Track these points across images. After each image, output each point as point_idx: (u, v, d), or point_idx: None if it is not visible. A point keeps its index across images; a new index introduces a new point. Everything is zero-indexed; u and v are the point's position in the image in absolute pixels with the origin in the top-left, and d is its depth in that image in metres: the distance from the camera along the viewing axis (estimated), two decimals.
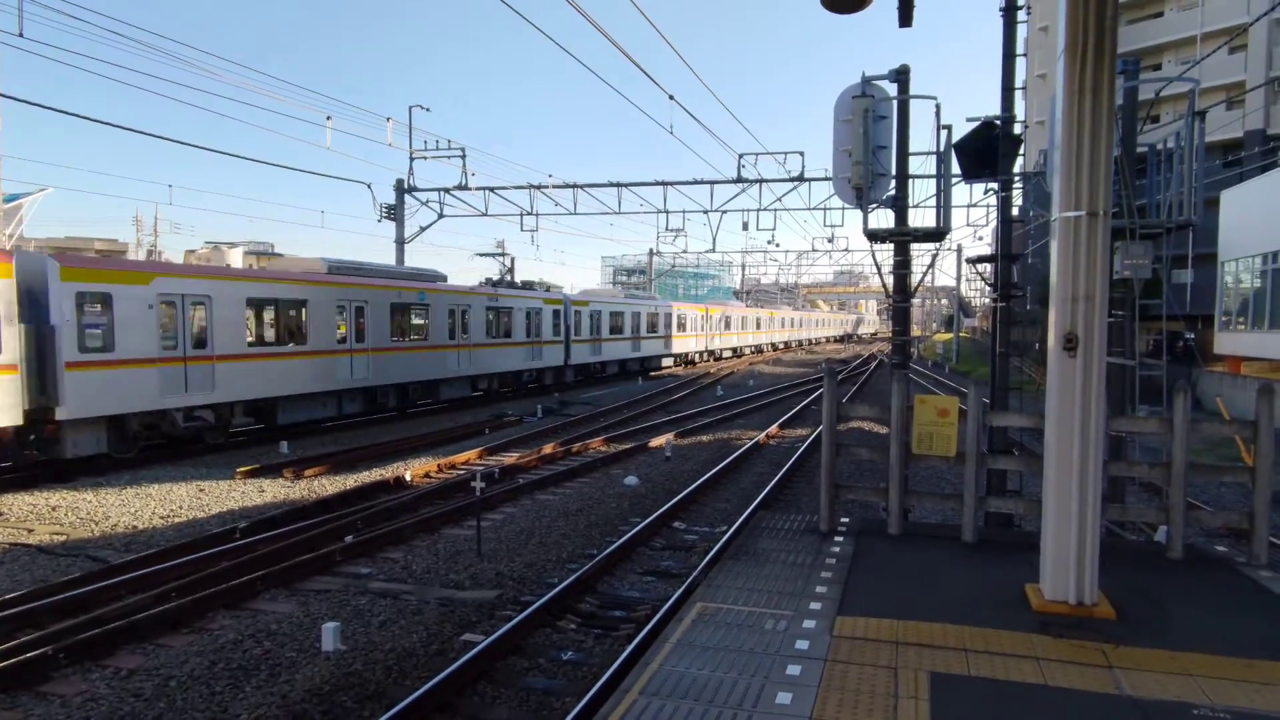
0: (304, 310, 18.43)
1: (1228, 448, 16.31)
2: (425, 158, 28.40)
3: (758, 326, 59.43)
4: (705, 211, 29.30)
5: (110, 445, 14.46)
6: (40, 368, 13.19)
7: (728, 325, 52.59)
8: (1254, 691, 4.41)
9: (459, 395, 25.26)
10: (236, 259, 18.91)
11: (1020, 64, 10.64)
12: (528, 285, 30.67)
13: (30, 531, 10.47)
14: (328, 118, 23.88)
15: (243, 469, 14.10)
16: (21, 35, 14.14)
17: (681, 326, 43.92)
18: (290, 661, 6.51)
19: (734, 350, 54.33)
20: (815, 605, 5.72)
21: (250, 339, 17.08)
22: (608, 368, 36.35)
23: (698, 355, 47.17)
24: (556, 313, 30.55)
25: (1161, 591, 6.00)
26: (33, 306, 13.16)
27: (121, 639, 6.88)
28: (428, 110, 29.04)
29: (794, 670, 4.69)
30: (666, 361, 42.45)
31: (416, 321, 22.43)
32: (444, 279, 24.78)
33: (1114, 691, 4.41)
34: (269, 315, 17.94)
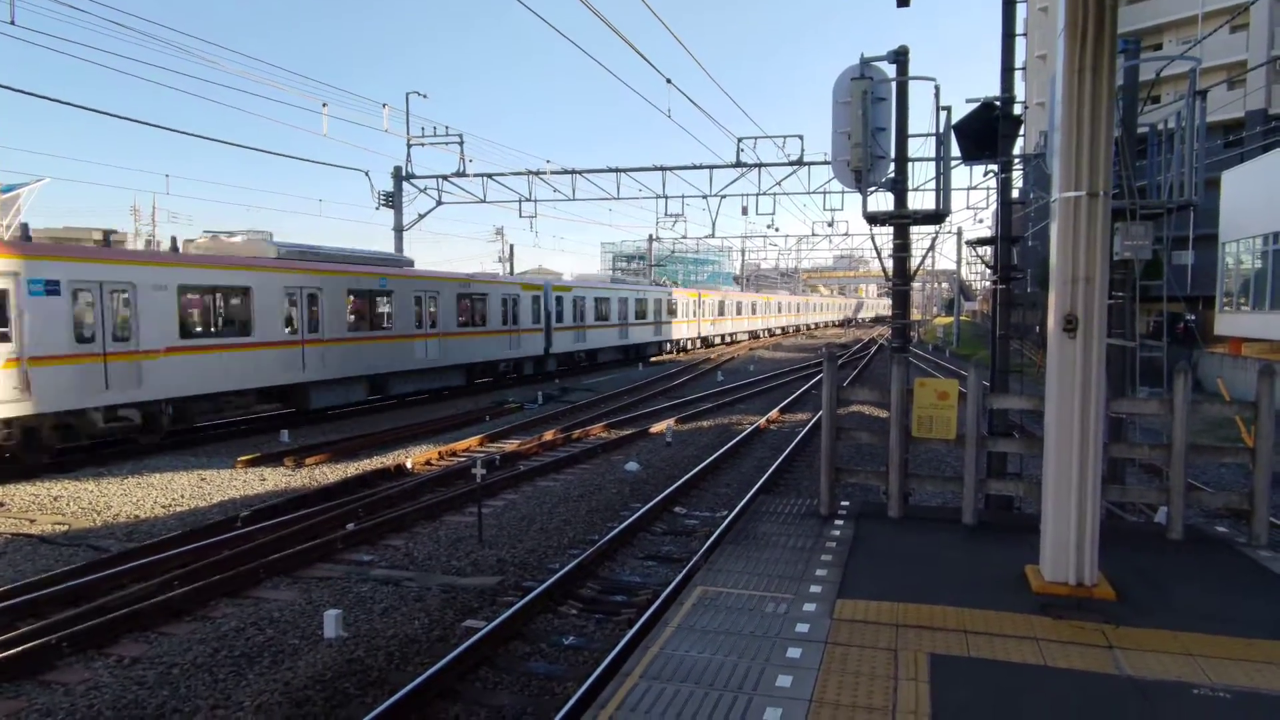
0: (609, 304, 34.76)
1: (1228, 428, 16.33)
2: (423, 144, 28.22)
3: (796, 311, 74.64)
4: (704, 196, 29.18)
5: (557, 368, 30.64)
6: (547, 330, 29.07)
7: (779, 309, 66.78)
8: (1254, 671, 4.43)
9: (652, 355, 40.40)
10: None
11: (1020, 44, 10.54)
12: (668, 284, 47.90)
13: (32, 522, 10.50)
14: (324, 105, 23.71)
15: (244, 458, 14.12)
16: (13, 23, 14.03)
17: (753, 310, 58.37)
18: (293, 649, 6.54)
19: (783, 329, 67.84)
20: (815, 588, 5.73)
21: (590, 320, 33.00)
22: (723, 338, 51.32)
23: (762, 332, 60.56)
24: (694, 303, 45.54)
25: (1162, 572, 6.01)
26: (545, 303, 28.88)
27: (124, 627, 6.92)
28: (425, 97, 28.79)
29: (794, 653, 4.70)
30: (742, 337, 55.38)
31: (641, 310, 38.55)
32: (647, 283, 42.50)
33: (1114, 672, 4.43)
34: (587, 306, 32.81)
